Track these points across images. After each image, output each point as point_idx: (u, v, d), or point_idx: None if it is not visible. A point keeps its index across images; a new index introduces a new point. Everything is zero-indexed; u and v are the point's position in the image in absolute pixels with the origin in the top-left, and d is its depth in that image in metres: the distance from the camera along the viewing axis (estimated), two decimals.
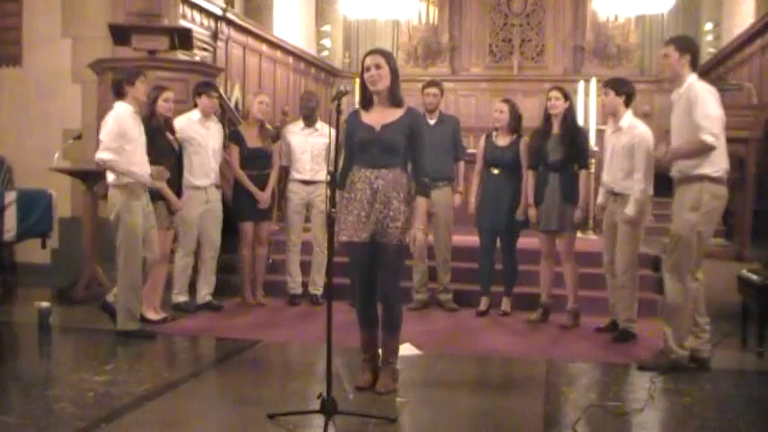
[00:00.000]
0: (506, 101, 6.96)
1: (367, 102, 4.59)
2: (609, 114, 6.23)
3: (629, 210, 5.81)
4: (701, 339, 5.25)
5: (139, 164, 5.82)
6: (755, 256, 7.71)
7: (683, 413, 4.40)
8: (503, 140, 6.82)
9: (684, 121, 5.09)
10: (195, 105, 6.82)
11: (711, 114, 4.96)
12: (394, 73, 4.51)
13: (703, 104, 4.97)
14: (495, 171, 6.80)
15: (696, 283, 5.18)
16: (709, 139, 4.92)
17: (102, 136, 5.71)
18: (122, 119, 5.74)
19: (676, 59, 5.17)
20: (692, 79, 5.15)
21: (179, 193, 6.42)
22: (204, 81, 7.08)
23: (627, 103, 6.05)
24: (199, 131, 6.73)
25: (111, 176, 5.82)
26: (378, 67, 4.45)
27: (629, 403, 4.56)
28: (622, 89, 6.05)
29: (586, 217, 6.66)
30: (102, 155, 5.69)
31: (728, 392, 4.89)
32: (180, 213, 6.50)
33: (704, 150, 4.98)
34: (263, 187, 7.02)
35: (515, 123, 6.80)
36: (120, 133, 5.68)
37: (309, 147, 7.23)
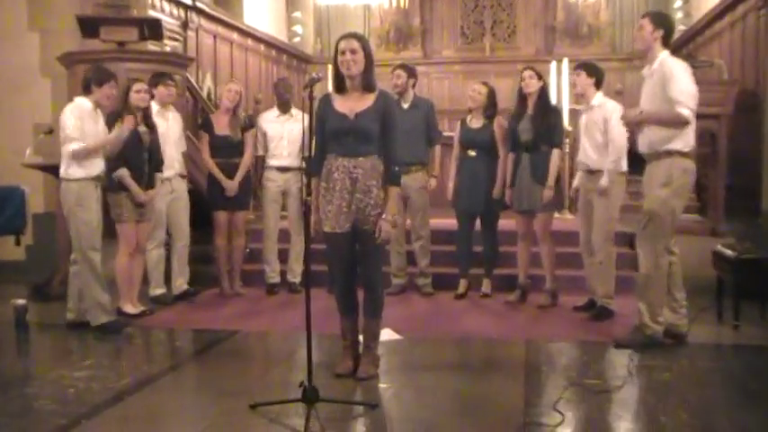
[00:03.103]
0: (485, 83, 6.96)
1: (340, 86, 4.57)
2: (579, 95, 6.32)
3: (604, 180, 5.85)
4: (678, 314, 5.31)
5: (96, 160, 5.83)
6: (729, 230, 7.78)
7: (662, 389, 4.45)
8: (477, 122, 6.83)
9: (657, 96, 5.13)
10: (152, 97, 6.75)
11: (687, 90, 5.02)
12: (368, 58, 4.47)
13: (679, 80, 5.02)
14: (472, 153, 6.81)
15: (672, 257, 5.24)
16: (685, 111, 4.99)
17: (66, 129, 5.70)
18: (80, 114, 5.75)
19: (650, 33, 5.21)
20: (665, 55, 5.19)
21: (151, 186, 6.36)
22: (159, 72, 7.02)
23: (597, 86, 6.16)
24: (158, 123, 6.64)
25: (63, 172, 5.80)
26: (353, 51, 4.41)
27: (609, 380, 4.61)
28: (593, 72, 6.16)
29: (561, 196, 6.66)
30: (72, 146, 5.68)
31: (706, 367, 4.94)
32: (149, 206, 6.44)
33: (678, 123, 5.03)
34: (230, 176, 6.99)
35: (491, 108, 6.80)
36: (80, 127, 5.69)
37: (286, 133, 7.20)
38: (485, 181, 6.74)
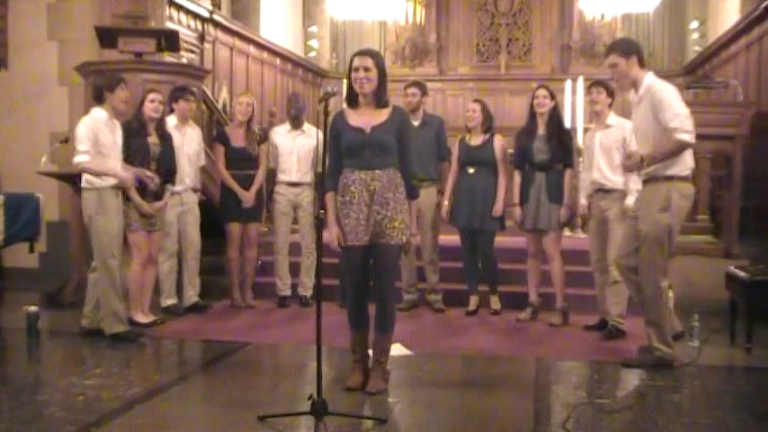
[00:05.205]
0: (477, 101, 7.06)
1: (353, 101, 4.60)
2: (596, 113, 6.27)
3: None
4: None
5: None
6: (743, 252, 7.74)
7: (673, 410, 4.41)
8: (476, 140, 6.86)
9: (650, 123, 5.05)
10: (172, 111, 6.79)
11: (680, 113, 4.94)
12: (382, 74, 4.51)
13: (669, 105, 4.94)
14: (471, 170, 6.83)
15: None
16: (685, 137, 4.92)
17: (78, 141, 5.73)
18: (95, 125, 5.76)
19: (625, 65, 5.11)
20: (650, 79, 5.11)
21: (159, 196, 6.36)
22: (180, 86, 7.06)
23: (611, 104, 6.18)
24: (174, 137, 6.68)
25: (83, 180, 5.82)
26: (366, 69, 4.45)
27: (619, 400, 4.58)
28: (612, 92, 6.16)
29: (573, 215, 6.67)
30: (78, 158, 5.72)
31: (718, 389, 4.91)
32: (158, 216, 6.44)
33: (682, 150, 4.99)
34: (247, 188, 7.03)
35: (488, 122, 6.84)
36: (93, 139, 5.70)
37: (296, 149, 7.23)
38: (484, 198, 6.75)
